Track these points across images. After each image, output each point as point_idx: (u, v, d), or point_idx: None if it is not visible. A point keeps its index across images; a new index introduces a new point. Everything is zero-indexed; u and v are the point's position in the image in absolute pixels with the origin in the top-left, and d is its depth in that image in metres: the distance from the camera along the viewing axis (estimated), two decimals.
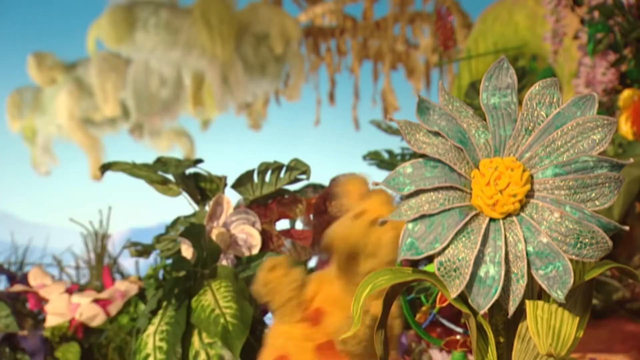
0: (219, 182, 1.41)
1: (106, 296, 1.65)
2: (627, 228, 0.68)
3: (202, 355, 1.24)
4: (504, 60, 0.76)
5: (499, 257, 0.70)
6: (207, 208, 1.40)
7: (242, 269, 1.32)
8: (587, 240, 0.68)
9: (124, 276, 2.11)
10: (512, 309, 0.70)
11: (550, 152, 0.72)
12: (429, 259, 0.78)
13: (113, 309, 1.64)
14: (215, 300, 1.26)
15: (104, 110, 5.64)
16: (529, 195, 0.72)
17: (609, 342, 1.34)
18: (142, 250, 1.45)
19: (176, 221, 1.43)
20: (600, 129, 0.71)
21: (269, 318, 1.33)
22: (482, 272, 0.70)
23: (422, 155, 0.74)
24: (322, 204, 1.30)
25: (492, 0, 3.26)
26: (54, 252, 2.37)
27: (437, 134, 0.74)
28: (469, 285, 0.70)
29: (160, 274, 1.46)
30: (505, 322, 0.76)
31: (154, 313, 1.31)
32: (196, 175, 1.42)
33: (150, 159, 1.42)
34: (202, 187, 1.42)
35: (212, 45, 5.49)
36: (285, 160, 1.39)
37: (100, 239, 2.17)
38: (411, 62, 6.16)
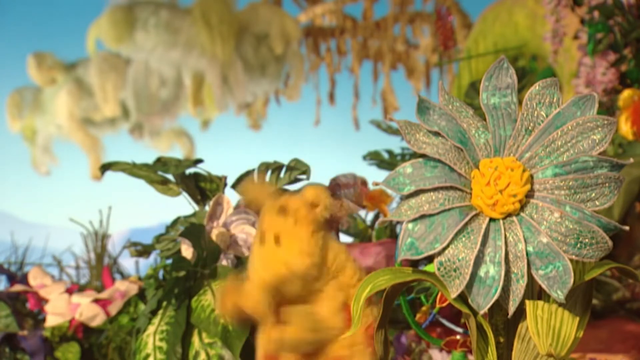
0: (219, 182, 1.41)
1: (106, 296, 1.64)
2: (627, 228, 0.68)
3: (202, 355, 1.24)
4: (504, 60, 0.76)
5: (499, 257, 0.70)
6: (207, 208, 1.40)
7: (242, 269, 1.32)
8: (587, 240, 0.68)
9: (124, 276, 2.10)
10: (512, 309, 0.70)
11: (550, 152, 0.72)
12: (429, 259, 0.78)
13: (113, 309, 1.63)
14: (216, 300, 1.26)
15: (104, 110, 5.64)
16: (529, 195, 0.71)
17: (609, 342, 1.33)
18: (142, 250, 1.45)
19: (176, 221, 1.43)
20: (600, 129, 0.71)
21: None
22: (482, 272, 0.70)
23: (422, 155, 0.74)
24: None
25: (492, 0, 3.26)
26: (54, 252, 2.37)
27: (437, 134, 0.74)
28: (469, 285, 0.70)
29: (160, 274, 1.46)
30: (505, 322, 0.76)
31: (154, 313, 1.31)
32: (196, 175, 1.42)
33: (150, 159, 1.42)
34: (202, 187, 1.42)
35: (212, 45, 5.48)
36: (285, 160, 1.38)
37: (100, 239, 2.17)
38: (411, 62, 6.16)
